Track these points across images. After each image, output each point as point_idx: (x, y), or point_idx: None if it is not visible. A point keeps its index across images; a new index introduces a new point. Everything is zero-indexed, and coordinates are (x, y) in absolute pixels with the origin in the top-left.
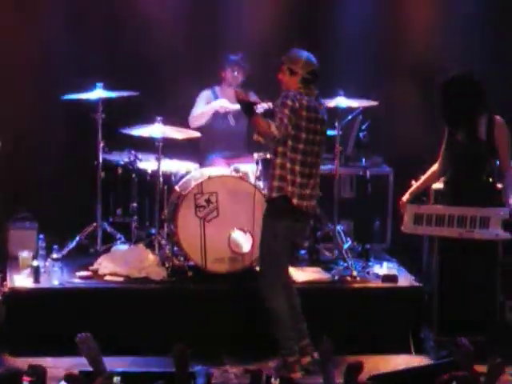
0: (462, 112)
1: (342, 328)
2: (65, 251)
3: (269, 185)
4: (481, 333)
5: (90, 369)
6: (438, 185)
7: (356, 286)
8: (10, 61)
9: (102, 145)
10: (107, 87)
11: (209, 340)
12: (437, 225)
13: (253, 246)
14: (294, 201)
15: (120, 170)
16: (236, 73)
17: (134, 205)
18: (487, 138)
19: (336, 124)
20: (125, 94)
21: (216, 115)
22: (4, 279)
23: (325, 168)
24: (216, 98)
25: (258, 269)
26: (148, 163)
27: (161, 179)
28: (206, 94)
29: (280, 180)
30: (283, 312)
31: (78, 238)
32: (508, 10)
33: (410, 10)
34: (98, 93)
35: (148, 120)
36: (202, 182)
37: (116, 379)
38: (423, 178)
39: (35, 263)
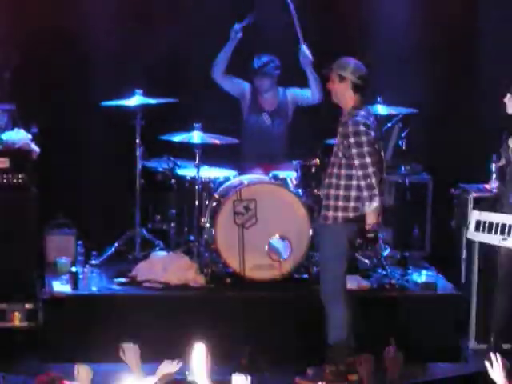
0: None
1: (380, 336)
2: (103, 257)
3: (345, 204)
4: None
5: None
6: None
7: (395, 294)
8: (49, 67)
9: (141, 151)
10: (146, 94)
11: (246, 347)
12: (501, 233)
13: (291, 253)
14: (351, 215)
15: (159, 177)
16: (263, 81)
17: (173, 211)
18: None
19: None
20: (164, 100)
21: (250, 113)
22: (43, 285)
23: None
24: (253, 92)
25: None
26: (187, 170)
27: (200, 186)
28: (245, 86)
29: (356, 201)
30: (346, 319)
31: (116, 245)
32: None
33: (449, 12)
34: (137, 99)
35: (187, 127)
36: (240, 189)
37: None
38: None
39: (74, 269)
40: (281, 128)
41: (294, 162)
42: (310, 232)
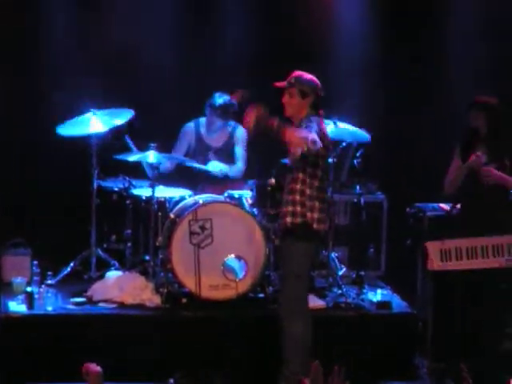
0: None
1: (335, 355)
2: (59, 277)
3: (290, 210)
4: (475, 359)
5: None
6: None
7: (350, 313)
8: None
9: (96, 171)
10: (101, 110)
11: (203, 367)
12: (469, 258)
13: (247, 272)
14: (315, 225)
15: (114, 197)
16: (213, 118)
17: (129, 231)
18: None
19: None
20: (119, 119)
21: (194, 155)
22: None
23: None
24: (198, 131)
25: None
26: (142, 190)
27: (155, 205)
28: (188, 130)
29: (301, 206)
30: (304, 336)
31: (72, 265)
32: None
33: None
34: (93, 119)
35: (142, 146)
36: (196, 209)
37: None
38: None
39: (29, 289)
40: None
41: (250, 182)
42: (266, 251)
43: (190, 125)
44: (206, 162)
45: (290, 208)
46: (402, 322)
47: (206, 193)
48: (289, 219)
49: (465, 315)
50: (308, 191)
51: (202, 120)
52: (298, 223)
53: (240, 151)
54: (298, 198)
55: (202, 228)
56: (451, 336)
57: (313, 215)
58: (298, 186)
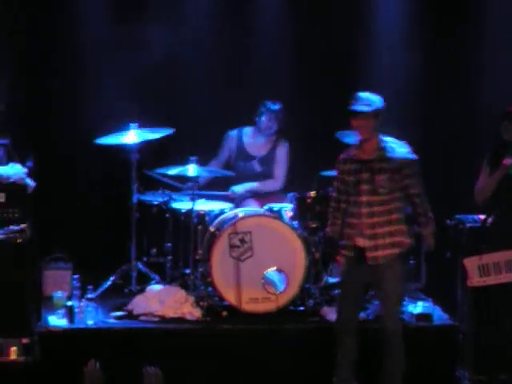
0: None
1: (377, 368)
2: (99, 291)
3: (404, 239)
4: None
5: None
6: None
7: None
8: (44, 105)
9: (136, 185)
10: (142, 128)
11: (245, 381)
12: (508, 271)
13: (287, 285)
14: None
15: (154, 210)
16: (271, 122)
17: (169, 245)
18: None
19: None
20: (159, 134)
21: (237, 160)
22: (39, 319)
23: None
24: (241, 139)
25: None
26: (182, 203)
27: (195, 219)
28: (230, 136)
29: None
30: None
31: (112, 278)
32: None
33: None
34: (133, 134)
35: (183, 160)
36: (235, 222)
37: None
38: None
39: (69, 303)
40: (271, 171)
41: (290, 194)
42: (307, 264)
43: (233, 132)
44: (250, 170)
45: (403, 237)
46: (443, 334)
47: (246, 206)
48: (404, 247)
49: (504, 327)
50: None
51: (247, 130)
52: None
53: (279, 168)
54: (403, 227)
55: (242, 241)
56: (492, 348)
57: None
58: (401, 216)
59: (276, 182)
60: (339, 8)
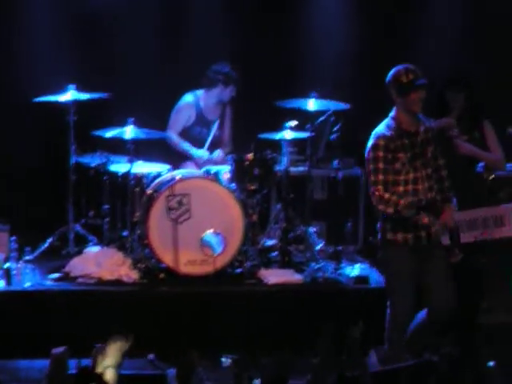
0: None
1: (314, 329)
2: (37, 253)
3: None
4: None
5: None
6: None
7: (328, 287)
8: None
9: (73, 147)
10: (79, 89)
11: (180, 342)
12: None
13: (225, 248)
14: None
15: (92, 172)
16: (234, 92)
17: (106, 207)
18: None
19: (308, 126)
20: (97, 95)
21: (198, 124)
22: None
23: (296, 170)
24: (198, 105)
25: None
26: (120, 165)
27: (132, 181)
28: (188, 103)
29: None
30: None
31: (50, 240)
32: None
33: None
34: (70, 95)
35: (120, 122)
36: (173, 184)
37: None
38: None
39: (7, 265)
40: (224, 133)
41: (228, 157)
42: (244, 226)
43: (189, 98)
44: (208, 135)
45: None
46: (380, 297)
47: (183, 168)
48: None
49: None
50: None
51: (200, 93)
52: None
53: (227, 131)
54: None
55: (180, 203)
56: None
57: None
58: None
59: (227, 147)
60: None
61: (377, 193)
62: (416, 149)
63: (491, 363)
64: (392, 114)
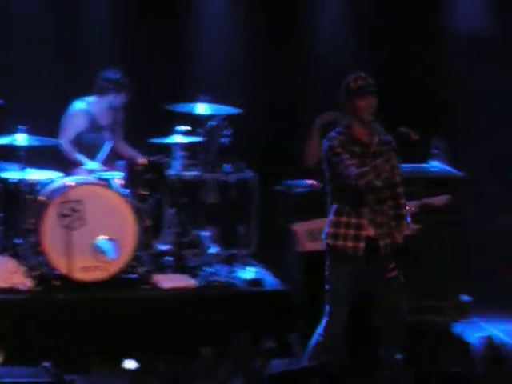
0: None
1: (209, 335)
2: None
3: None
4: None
5: None
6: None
7: (222, 291)
8: None
9: None
10: None
11: (77, 349)
12: None
13: (118, 253)
14: None
15: None
16: (125, 98)
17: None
18: None
19: (199, 130)
20: None
21: (91, 130)
22: None
23: (188, 174)
24: (90, 111)
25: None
26: (12, 173)
27: (25, 188)
28: (79, 112)
29: None
30: None
31: None
32: None
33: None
34: None
35: (12, 129)
36: (66, 191)
37: None
38: None
39: None
40: (116, 138)
41: (120, 162)
42: (137, 231)
43: (80, 105)
44: (100, 139)
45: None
46: (275, 300)
47: (77, 174)
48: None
49: None
50: None
51: (91, 99)
52: None
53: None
54: None
55: (73, 210)
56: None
57: None
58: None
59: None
60: None
61: (352, 174)
62: (367, 160)
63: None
64: (345, 122)
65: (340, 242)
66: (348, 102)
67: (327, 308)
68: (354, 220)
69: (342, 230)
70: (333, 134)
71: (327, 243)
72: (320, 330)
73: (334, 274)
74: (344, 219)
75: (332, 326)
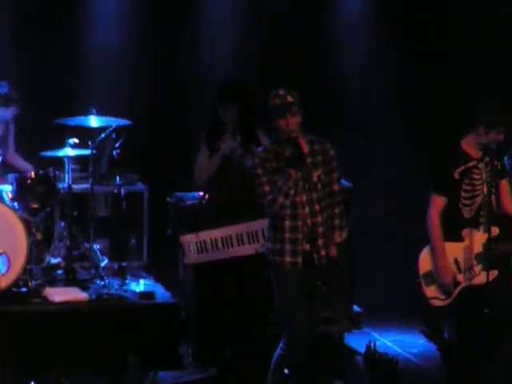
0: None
1: (101, 348)
2: None
3: None
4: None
5: None
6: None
7: (113, 304)
8: None
9: None
10: None
11: None
12: (225, 247)
13: (9, 267)
14: None
15: None
16: (13, 111)
17: None
18: None
19: (89, 143)
20: None
21: None
22: None
23: (79, 187)
24: None
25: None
26: None
27: None
28: None
29: None
30: None
31: None
32: None
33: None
34: None
35: None
36: None
37: None
38: None
39: None
40: (4, 150)
41: (10, 175)
42: (28, 245)
43: None
44: None
45: None
46: (166, 312)
47: None
48: None
49: (225, 303)
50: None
51: None
52: None
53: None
54: None
55: None
56: (215, 324)
57: None
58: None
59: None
60: None
61: (264, 202)
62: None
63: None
64: (273, 137)
65: (277, 258)
66: (271, 119)
67: (282, 322)
68: (288, 235)
69: (278, 246)
70: (259, 149)
71: (268, 258)
72: (280, 342)
73: (278, 287)
74: (279, 235)
75: (289, 340)
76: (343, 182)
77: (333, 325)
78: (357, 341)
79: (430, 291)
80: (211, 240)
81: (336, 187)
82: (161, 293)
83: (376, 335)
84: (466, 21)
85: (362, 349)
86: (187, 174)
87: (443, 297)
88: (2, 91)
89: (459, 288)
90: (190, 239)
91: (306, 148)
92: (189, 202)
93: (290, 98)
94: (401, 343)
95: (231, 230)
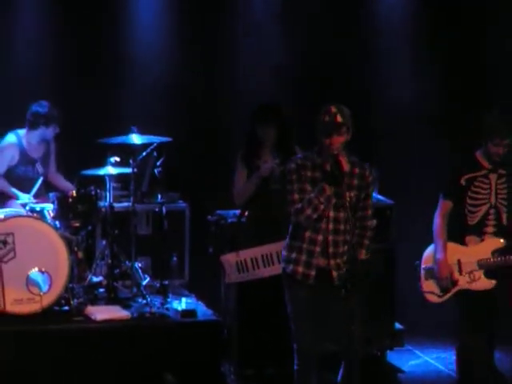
0: None
1: (143, 366)
2: None
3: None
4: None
5: None
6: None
7: (155, 322)
8: None
9: None
10: None
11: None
12: (266, 265)
13: (51, 286)
14: None
15: None
16: (56, 129)
17: None
18: None
19: (131, 161)
20: None
21: (22, 163)
22: None
23: (120, 205)
24: (21, 144)
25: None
26: None
27: None
28: (10, 145)
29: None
30: None
31: None
32: None
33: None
34: None
35: None
36: None
37: None
38: None
39: None
40: (47, 170)
41: (51, 194)
42: (69, 263)
43: (12, 138)
44: (33, 173)
45: None
46: (208, 330)
47: (9, 207)
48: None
49: (269, 321)
50: None
51: (21, 132)
52: None
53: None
54: None
55: (4, 242)
56: (257, 343)
57: None
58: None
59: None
60: None
61: (291, 210)
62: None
63: None
64: (316, 148)
65: (291, 267)
66: (317, 133)
67: (292, 332)
68: (306, 246)
69: (293, 255)
70: (298, 155)
71: (281, 265)
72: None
73: (288, 296)
74: (297, 244)
75: (301, 353)
76: (383, 198)
77: (374, 343)
78: (399, 358)
79: (428, 285)
80: (251, 259)
81: (369, 212)
82: (202, 311)
83: (418, 352)
84: None
85: (404, 366)
86: (228, 191)
87: (440, 293)
88: (42, 111)
89: (457, 288)
90: (230, 259)
91: (346, 167)
92: (229, 220)
93: (339, 118)
94: (443, 360)
95: (271, 248)
